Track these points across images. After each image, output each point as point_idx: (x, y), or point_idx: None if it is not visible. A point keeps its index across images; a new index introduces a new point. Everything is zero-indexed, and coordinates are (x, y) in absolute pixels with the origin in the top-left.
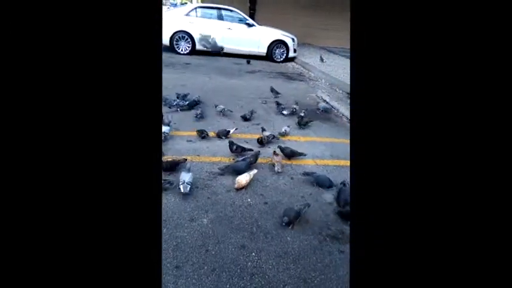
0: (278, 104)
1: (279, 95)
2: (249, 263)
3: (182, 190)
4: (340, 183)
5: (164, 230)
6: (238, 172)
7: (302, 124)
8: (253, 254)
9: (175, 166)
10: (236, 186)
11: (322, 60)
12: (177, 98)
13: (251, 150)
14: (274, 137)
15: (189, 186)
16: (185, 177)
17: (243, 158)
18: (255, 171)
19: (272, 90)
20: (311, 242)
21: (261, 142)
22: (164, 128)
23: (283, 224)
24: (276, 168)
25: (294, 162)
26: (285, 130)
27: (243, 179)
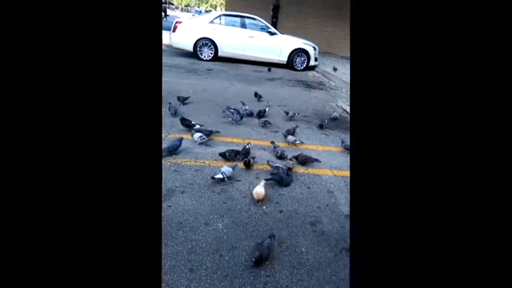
0: (287, 113)
1: (262, 100)
2: (263, 271)
3: (215, 176)
4: (269, 237)
5: (180, 233)
6: (282, 185)
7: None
8: (267, 262)
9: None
10: (255, 197)
11: (335, 69)
12: (178, 99)
13: (244, 153)
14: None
15: (222, 176)
16: (225, 169)
17: (282, 170)
18: (262, 181)
19: (256, 94)
20: (326, 254)
21: (281, 157)
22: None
23: (253, 259)
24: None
25: (311, 171)
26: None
27: (262, 190)
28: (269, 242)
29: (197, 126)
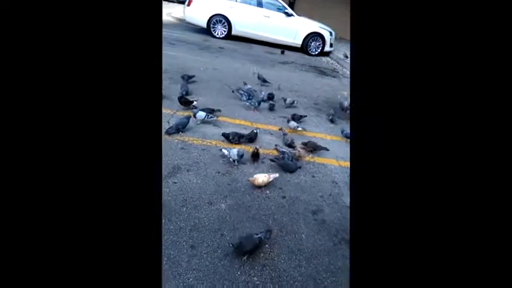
0: (284, 99)
1: (267, 84)
2: (262, 254)
3: (227, 153)
4: (266, 231)
5: (183, 209)
6: (286, 170)
7: (333, 121)
8: (266, 246)
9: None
10: (251, 180)
11: (346, 57)
12: (182, 78)
13: (249, 136)
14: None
15: (232, 157)
16: (232, 152)
17: (288, 156)
18: (276, 175)
19: (259, 77)
20: (326, 243)
21: (290, 145)
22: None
23: (231, 244)
24: (297, 152)
25: (317, 160)
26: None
27: (261, 178)
28: (262, 236)
29: (195, 103)
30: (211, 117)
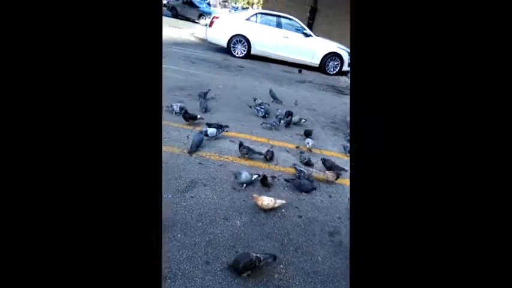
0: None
1: (279, 101)
2: (276, 275)
3: (236, 178)
4: (268, 254)
5: (199, 224)
6: (301, 190)
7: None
8: (281, 266)
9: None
10: (255, 198)
11: None
12: (199, 96)
13: (260, 153)
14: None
15: (239, 180)
16: (243, 173)
17: (305, 175)
18: (283, 201)
19: (270, 92)
20: (342, 266)
21: (307, 164)
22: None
23: (227, 265)
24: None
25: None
26: (308, 143)
27: (266, 200)
28: (262, 257)
29: (199, 118)
30: (221, 131)
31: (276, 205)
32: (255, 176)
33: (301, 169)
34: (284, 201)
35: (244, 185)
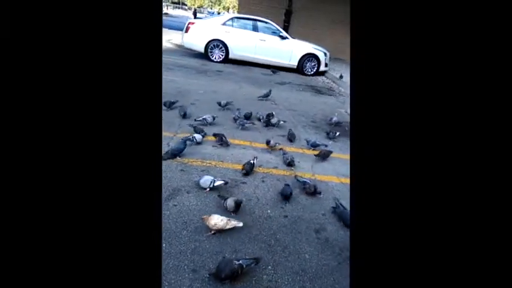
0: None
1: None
2: (265, 276)
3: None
4: (252, 259)
5: (184, 232)
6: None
7: (331, 138)
8: (269, 267)
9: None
10: (204, 218)
11: (341, 77)
12: (164, 105)
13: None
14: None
15: (203, 185)
16: (203, 178)
17: (309, 185)
18: (240, 224)
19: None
20: (330, 262)
21: (289, 164)
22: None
23: (208, 274)
24: None
25: (318, 177)
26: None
27: (214, 220)
28: (244, 263)
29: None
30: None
31: (228, 226)
32: (219, 182)
33: (305, 180)
34: (241, 224)
35: (208, 189)
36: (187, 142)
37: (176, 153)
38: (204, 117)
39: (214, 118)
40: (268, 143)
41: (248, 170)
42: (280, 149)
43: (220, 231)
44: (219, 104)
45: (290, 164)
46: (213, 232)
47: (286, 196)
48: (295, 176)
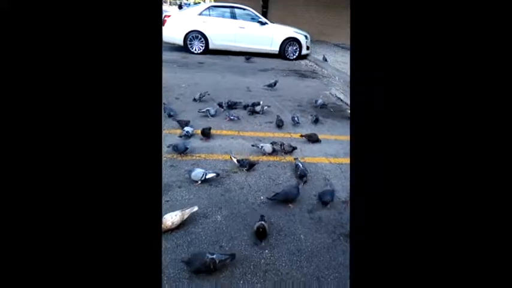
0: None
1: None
2: (262, 260)
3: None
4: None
5: (179, 226)
6: (289, 201)
7: (314, 121)
8: (266, 251)
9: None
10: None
11: (325, 59)
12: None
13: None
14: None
15: (192, 178)
16: (195, 170)
17: (305, 172)
18: (194, 208)
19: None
20: (325, 240)
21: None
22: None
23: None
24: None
25: (307, 160)
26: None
27: (169, 220)
28: (217, 258)
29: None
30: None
31: (186, 216)
32: (211, 175)
33: (298, 163)
34: (196, 208)
35: (199, 182)
36: (188, 130)
37: (181, 152)
38: (207, 108)
39: (216, 111)
40: (273, 150)
41: (245, 164)
42: (296, 158)
43: (182, 225)
44: (194, 99)
45: (301, 176)
46: (173, 231)
47: (324, 202)
48: (296, 159)
